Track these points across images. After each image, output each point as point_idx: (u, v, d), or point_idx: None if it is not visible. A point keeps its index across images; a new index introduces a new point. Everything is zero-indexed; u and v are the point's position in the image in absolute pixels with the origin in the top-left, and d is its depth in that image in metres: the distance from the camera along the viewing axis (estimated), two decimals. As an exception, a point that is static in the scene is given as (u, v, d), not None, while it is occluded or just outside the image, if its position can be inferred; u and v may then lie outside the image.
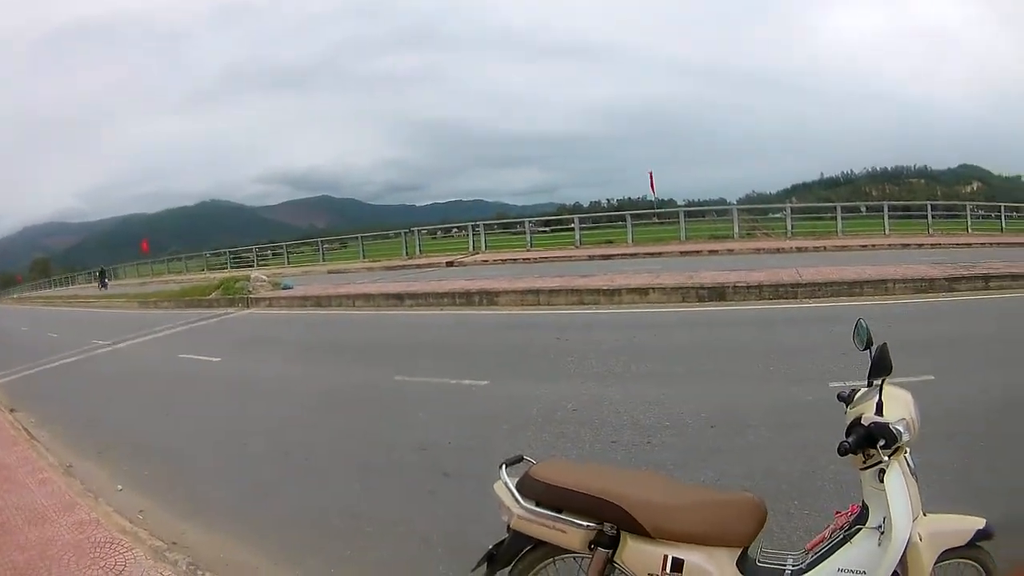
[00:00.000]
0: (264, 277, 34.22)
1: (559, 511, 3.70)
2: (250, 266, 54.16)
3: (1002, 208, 43.69)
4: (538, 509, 3.74)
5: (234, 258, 64.23)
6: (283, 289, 31.53)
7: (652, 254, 33.99)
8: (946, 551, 3.65)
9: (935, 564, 3.62)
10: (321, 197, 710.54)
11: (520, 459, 4.08)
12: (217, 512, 7.64)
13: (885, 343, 3.80)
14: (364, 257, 50.58)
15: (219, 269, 58.68)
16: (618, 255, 34.80)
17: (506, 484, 3.88)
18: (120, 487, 8.74)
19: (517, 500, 3.79)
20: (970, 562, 3.78)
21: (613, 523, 3.61)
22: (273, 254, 64.95)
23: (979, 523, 3.70)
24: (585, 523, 3.64)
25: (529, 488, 3.81)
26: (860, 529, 3.64)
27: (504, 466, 4.00)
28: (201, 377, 15.75)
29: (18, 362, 20.64)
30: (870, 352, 3.85)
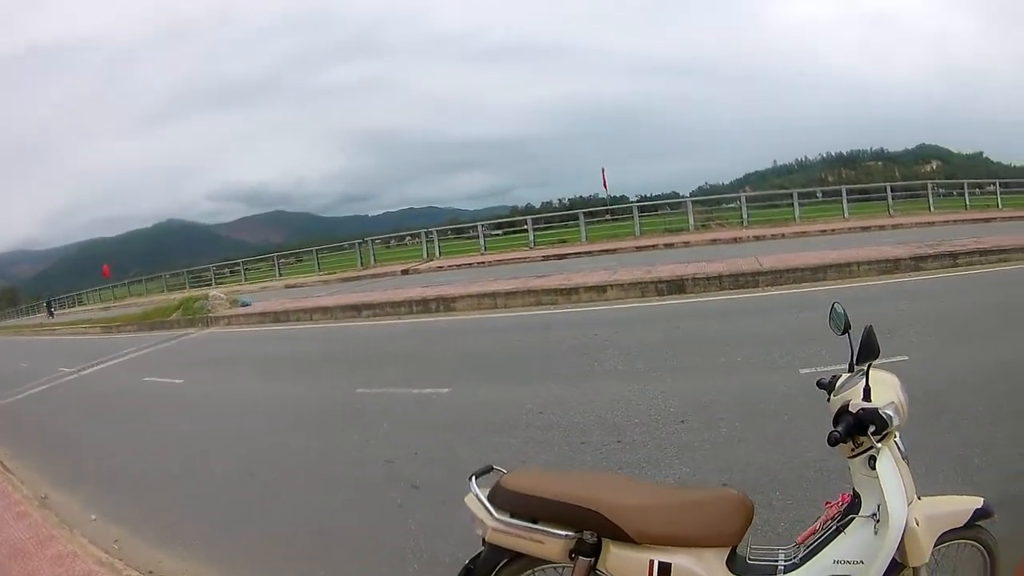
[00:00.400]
0: (222, 295, 34.08)
1: (535, 521, 3.53)
2: (208, 285, 54.19)
3: (964, 185, 44.27)
4: (513, 520, 3.56)
5: (192, 278, 64.27)
6: (241, 306, 31.34)
7: (607, 251, 34.25)
8: (945, 533, 3.55)
9: (934, 547, 3.52)
10: (274, 212, 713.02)
11: (490, 469, 3.92)
12: (190, 538, 7.49)
13: (871, 325, 3.66)
14: (320, 270, 50.63)
15: (179, 289, 58.56)
16: (573, 254, 35.08)
17: (477, 496, 3.69)
18: (94, 517, 8.63)
19: (490, 512, 3.60)
20: (970, 542, 3.70)
21: (593, 530, 3.43)
22: (230, 271, 65.02)
23: (977, 502, 3.61)
24: (563, 532, 3.46)
25: (502, 499, 3.63)
26: (854, 518, 3.51)
27: (474, 477, 3.81)
28: (166, 399, 15.59)
29: None
30: (849, 337, 3.75)
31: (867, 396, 3.43)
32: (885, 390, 3.52)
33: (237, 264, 66.66)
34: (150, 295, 63.31)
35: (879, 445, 3.37)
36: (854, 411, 3.42)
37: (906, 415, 3.54)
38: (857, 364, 3.65)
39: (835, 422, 3.47)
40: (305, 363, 17.29)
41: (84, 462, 11.30)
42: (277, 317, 26.29)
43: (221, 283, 56.85)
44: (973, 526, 3.61)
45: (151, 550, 7.32)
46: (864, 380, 3.50)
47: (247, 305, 31.21)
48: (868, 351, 3.58)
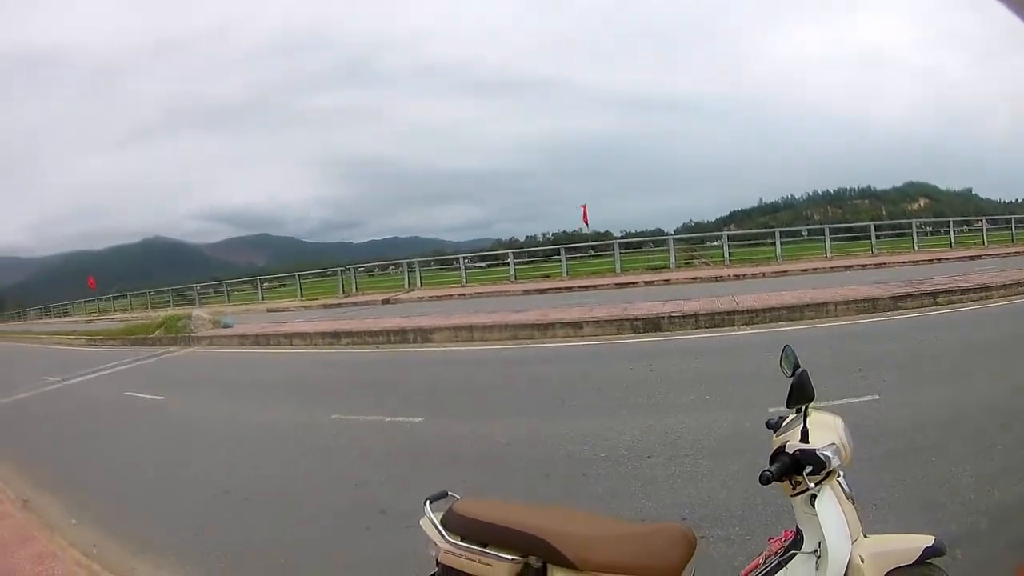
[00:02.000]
0: (205, 315, 34.32)
1: (484, 545, 3.65)
2: (192, 304, 53.92)
3: (950, 223, 44.52)
4: (463, 544, 3.70)
5: (177, 296, 64.20)
6: (224, 327, 31.58)
7: (587, 287, 34.11)
8: (893, 571, 3.57)
9: None
10: (260, 235, 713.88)
11: (444, 495, 4.08)
12: (164, 548, 7.65)
13: (804, 370, 3.78)
14: (302, 295, 50.79)
15: (163, 306, 58.66)
16: (553, 289, 35.07)
17: (431, 519, 3.86)
18: (74, 521, 8.88)
19: (442, 535, 3.76)
20: None
21: (538, 556, 3.53)
22: (215, 292, 65.07)
23: (927, 540, 3.62)
24: (510, 556, 3.57)
25: (454, 523, 3.78)
26: (795, 554, 3.64)
27: (428, 502, 3.97)
28: (147, 414, 15.78)
29: None
30: (794, 378, 3.79)
31: (804, 438, 3.52)
32: (826, 432, 3.61)
33: (222, 285, 66.64)
34: (134, 310, 63.88)
35: (813, 486, 3.47)
36: (791, 452, 3.52)
37: (849, 456, 3.62)
38: (788, 407, 3.75)
39: (771, 461, 3.58)
40: (283, 387, 17.38)
41: (66, 469, 11.61)
42: (258, 340, 26.43)
43: (205, 303, 56.88)
44: (924, 563, 3.62)
45: (127, 556, 7.51)
46: (802, 422, 3.59)
47: (229, 326, 31.50)
48: (801, 394, 3.67)
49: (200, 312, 35.55)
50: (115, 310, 70.55)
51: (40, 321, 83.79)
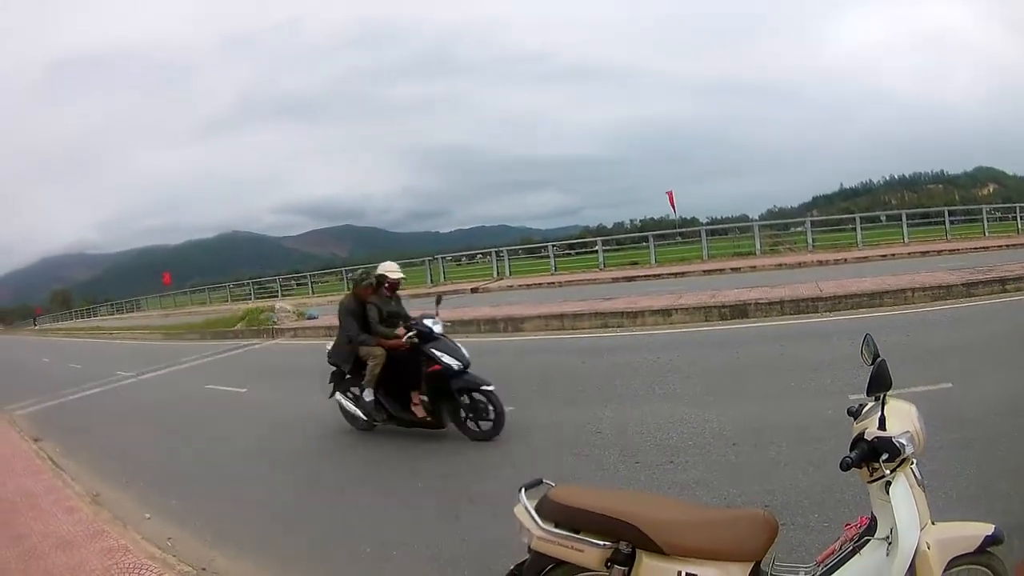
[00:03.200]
0: (288, 307, 34.44)
1: (576, 531, 3.84)
2: (274, 296, 54.54)
3: (1017, 209, 43.55)
4: (556, 530, 3.88)
5: (258, 289, 64.51)
6: (308, 319, 31.65)
7: (675, 274, 33.82)
8: (956, 558, 3.72)
9: (945, 571, 3.69)
10: (343, 226, 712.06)
11: (539, 482, 4.23)
12: (246, 540, 7.82)
13: (883, 359, 3.90)
14: (389, 286, 49.76)
15: (243, 300, 58.79)
16: (641, 276, 34.76)
17: (526, 507, 4.02)
18: (148, 515, 8.97)
19: (536, 522, 3.92)
20: (981, 567, 3.84)
21: (628, 541, 3.72)
22: (297, 284, 65.06)
23: (988, 529, 3.77)
24: (601, 542, 3.77)
25: (548, 510, 3.95)
26: (869, 540, 3.77)
27: (523, 489, 4.13)
28: (228, 407, 15.97)
29: (40, 394, 21.01)
30: (874, 366, 3.92)
31: (882, 425, 3.67)
32: (901, 420, 3.76)
33: (304, 277, 66.81)
34: (213, 304, 63.83)
35: (889, 473, 3.63)
36: (869, 439, 3.68)
37: (923, 443, 3.78)
38: (868, 395, 3.88)
39: (851, 448, 3.74)
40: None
41: (140, 463, 11.70)
42: (344, 331, 26.24)
43: (287, 295, 57.06)
44: (984, 552, 3.78)
45: (206, 549, 7.68)
46: (880, 410, 3.75)
47: (314, 318, 31.46)
48: (880, 382, 3.80)
49: (283, 304, 35.84)
50: (192, 304, 70.77)
51: (111, 317, 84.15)
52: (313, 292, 58.54)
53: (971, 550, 3.75)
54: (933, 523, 3.75)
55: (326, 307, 34.05)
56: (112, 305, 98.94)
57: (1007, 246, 32.44)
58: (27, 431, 15.31)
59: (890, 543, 3.65)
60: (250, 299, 58.22)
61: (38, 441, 14.15)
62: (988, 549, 3.79)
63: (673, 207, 44.43)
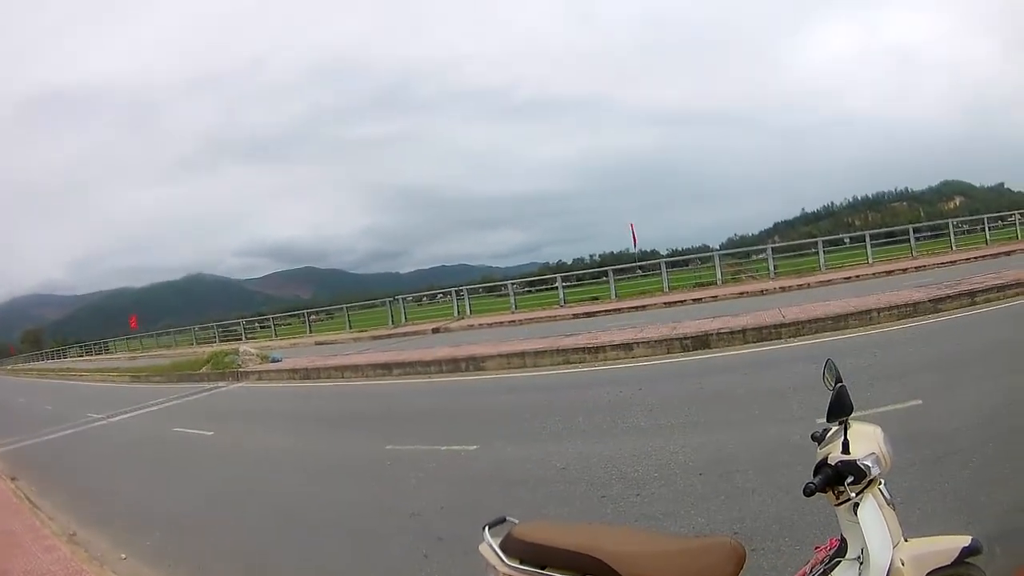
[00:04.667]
0: (253, 350, 34.37)
1: (542, 568, 3.74)
2: (238, 339, 54.47)
3: (984, 220, 44.17)
4: (522, 567, 3.77)
5: (222, 331, 64.81)
6: (272, 362, 31.68)
7: (636, 308, 34.30)
8: (933, 572, 3.68)
9: None
10: (305, 268, 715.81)
11: (503, 520, 4.09)
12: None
13: (843, 385, 3.86)
14: (350, 327, 50.70)
15: (208, 343, 58.96)
16: (602, 311, 35.05)
17: (490, 545, 3.90)
18: (124, 556, 8.99)
19: (502, 559, 3.81)
20: None
21: (595, 575, 3.65)
22: (261, 327, 65.31)
23: (964, 541, 3.74)
24: None
25: (512, 547, 3.83)
26: (840, 561, 3.73)
27: (487, 527, 4.02)
28: (196, 450, 15.96)
29: (16, 433, 21.23)
30: (834, 391, 3.90)
31: (846, 449, 3.66)
32: (866, 442, 3.72)
33: (268, 319, 66.95)
34: (179, 347, 63.97)
35: (855, 495, 3.60)
36: (832, 463, 3.66)
37: (889, 464, 3.74)
38: (828, 421, 3.86)
39: (814, 473, 3.71)
40: (335, 419, 17.62)
41: (113, 504, 11.75)
42: (307, 374, 26.56)
43: (251, 338, 57.35)
44: (962, 563, 3.74)
45: None
46: (843, 434, 3.73)
47: (278, 361, 31.57)
48: (840, 408, 3.79)
49: (247, 347, 35.73)
50: (158, 347, 71.16)
51: (81, 359, 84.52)
52: (276, 335, 58.88)
53: (948, 562, 3.73)
54: (906, 540, 3.74)
55: (289, 350, 33.99)
56: (82, 346, 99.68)
57: (975, 258, 33.40)
58: (3, 470, 15.39)
59: (862, 563, 3.63)
60: (215, 342, 58.37)
61: (15, 480, 14.21)
62: (967, 560, 3.76)
63: (635, 239, 44.79)
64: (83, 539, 9.82)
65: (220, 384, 29.17)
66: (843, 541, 3.78)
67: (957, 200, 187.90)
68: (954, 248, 40.50)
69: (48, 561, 8.56)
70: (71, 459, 17.03)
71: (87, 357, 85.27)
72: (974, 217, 50.71)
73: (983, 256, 33.75)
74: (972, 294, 18.25)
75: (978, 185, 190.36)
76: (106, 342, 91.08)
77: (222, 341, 57.38)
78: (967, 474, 6.96)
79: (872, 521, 3.62)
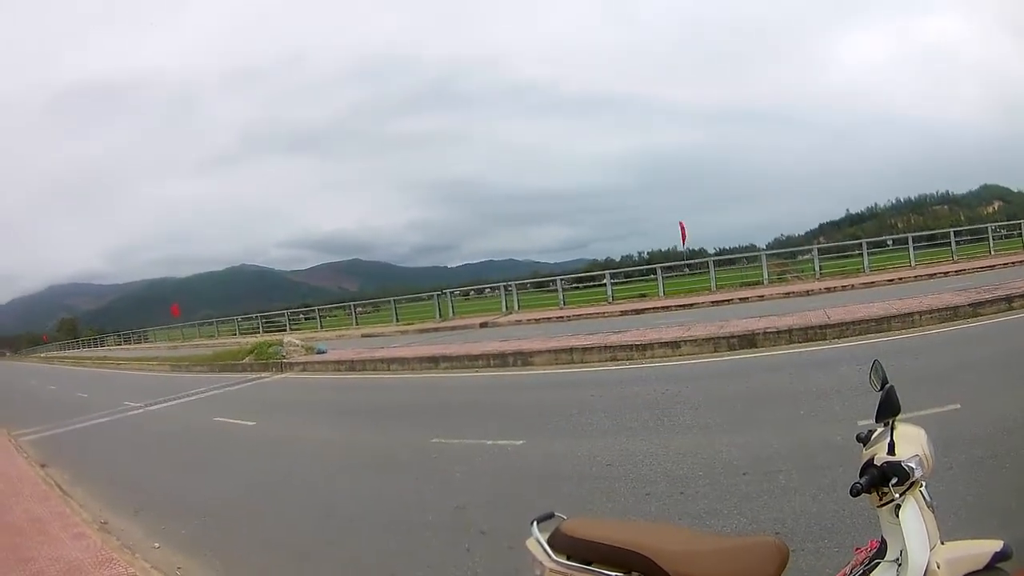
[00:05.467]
0: (297, 341, 34.40)
1: (589, 564, 3.81)
2: (282, 330, 54.17)
3: (1021, 225, 43.69)
4: (569, 563, 3.85)
5: (266, 322, 64.57)
6: (317, 353, 31.64)
7: (684, 306, 34.13)
8: (966, 575, 3.73)
9: None
10: (351, 260, 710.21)
11: (551, 515, 4.18)
12: (255, 572, 7.90)
13: (892, 385, 3.94)
14: (397, 320, 50.30)
15: (251, 333, 59.01)
16: (650, 309, 34.79)
17: (538, 540, 3.99)
18: (157, 545, 9.00)
19: (549, 554, 3.90)
20: None
21: (640, 572, 3.70)
22: (306, 318, 65.38)
23: (996, 545, 3.77)
24: (614, 573, 3.74)
25: (560, 543, 3.92)
26: (879, 563, 3.80)
27: (535, 522, 4.11)
28: (237, 440, 16.03)
29: (47, 421, 21.48)
30: (883, 393, 3.97)
31: (891, 450, 3.72)
32: (910, 444, 3.78)
33: (312, 311, 66.84)
34: (221, 337, 64.03)
35: (898, 496, 3.67)
36: (878, 464, 3.73)
37: (932, 466, 3.80)
38: (877, 421, 3.93)
39: (861, 474, 3.78)
40: (381, 411, 17.59)
41: (148, 493, 11.80)
42: (353, 366, 26.60)
43: (296, 329, 57.31)
44: (993, 568, 3.77)
45: None
46: (889, 435, 3.81)
47: (323, 352, 31.48)
48: (888, 409, 3.87)
49: (292, 338, 35.64)
50: (200, 336, 71.23)
51: (119, 347, 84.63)
52: (322, 326, 58.82)
53: (980, 567, 3.75)
54: (942, 543, 3.78)
55: (335, 342, 34.01)
56: (119, 335, 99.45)
57: (1013, 263, 32.91)
58: (34, 457, 15.58)
59: (900, 565, 3.68)
60: (258, 332, 58.34)
61: (45, 467, 14.36)
62: (997, 565, 3.79)
63: (684, 237, 44.49)
64: (115, 527, 9.90)
65: (263, 375, 29.09)
66: (883, 543, 3.84)
67: (996, 204, 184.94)
68: (992, 252, 40.07)
69: (77, 548, 8.57)
70: (105, 447, 17.13)
71: (125, 346, 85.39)
72: (1012, 222, 50.15)
73: (1021, 261, 33.40)
74: (1010, 299, 18.15)
75: (1016, 190, 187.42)
76: (145, 331, 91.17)
77: (266, 332, 57.26)
78: (1001, 479, 6.99)
79: (913, 523, 3.68)
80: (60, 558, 8.20)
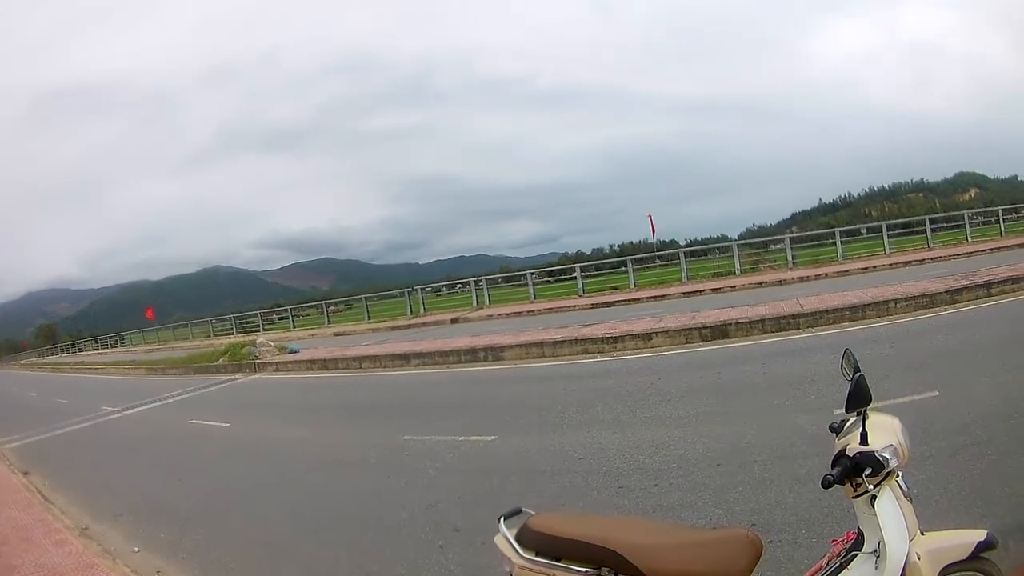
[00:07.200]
0: (270, 342, 34.46)
1: (558, 559, 3.72)
2: (256, 331, 54.33)
3: (999, 212, 44.16)
4: (537, 559, 3.76)
5: (239, 323, 64.86)
6: (290, 353, 31.74)
7: (655, 297, 34.18)
8: (948, 566, 3.68)
9: None
10: (323, 259, 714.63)
11: (519, 511, 4.10)
12: (233, 573, 7.84)
13: (862, 374, 3.85)
14: (369, 318, 50.45)
15: (225, 335, 59.31)
16: (621, 301, 34.99)
17: (505, 536, 3.91)
18: (137, 549, 9.03)
19: (517, 551, 3.81)
20: (975, 573, 3.78)
21: (610, 568, 3.62)
22: (278, 318, 65.39)
23: (980, 535, 3.73)
24: (583, 569, 3.64)
25: (528, 539, 3.83)
26: (856, 555, 3.73)
27: (503, 519, 4.02)
28: (212, 442, 15.99)
29: (28, 428, 21.41)
30: (852, 382, 3.88)
31: (864, 440, 3.64)
32: (884, 433, 3.71)
33: (285, 311, 66.83)
34: (195, 339, 64.06)
35: (872, 487, 3.59)
36: (851, 455, 3.64)
37: (907, 456, 3.73)
38: (847, 411, 3.85)
39: (833, 465, 3.70)
40: (353, 410, 17.60)
41: (127, 497, 11.81)
42: (325, 364, 26.61)
43: (269, 329, 57.28)
44: (977, 558, 3.72)
45: None
46: (861, 425, 3.71)
47: (296, 352, 31.55)
48: (859, 398, 3.77)
49: (264, 339, 35.77)
50: (175, 339, 71.06)
51: (96, 352, 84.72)
52: (294, 326, 58.87)
53: (964, 557, 3.71)
54: (922, 533, 3.73)
55: (307, 341, 34.00)
56: (97, 340, 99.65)
57: (990, 250, 33.25)
58: (16, 464, 15.56)
59: (878, 556, 3.62)
60: (232, 333, 58.58)
61: (27, 474, 14.34)
62: (982, 555, 3.74)
63: (653, 230, 44.56)
64: (96, 533, 9.91)
65: (237, 376, 29.15)
66: (860, 534, 3.78)
67: (972, 192, 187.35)
68: (969, 239, 40.34)
69: (59, 555, 8.60)
70: (85, 453, 17.10)
71: (103, 351, 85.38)
72: (989, 209, 50.59)
73: (998, 248, 33.64)
74: (988, 285, 18.11)
75: (992, 177, 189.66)
76: (122, 335, 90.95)
77: (239, 333, 57.51)
78: (983, 467, 6.92)
79: (889, 514, 3.62)
80: (43, 564, 8.30)
